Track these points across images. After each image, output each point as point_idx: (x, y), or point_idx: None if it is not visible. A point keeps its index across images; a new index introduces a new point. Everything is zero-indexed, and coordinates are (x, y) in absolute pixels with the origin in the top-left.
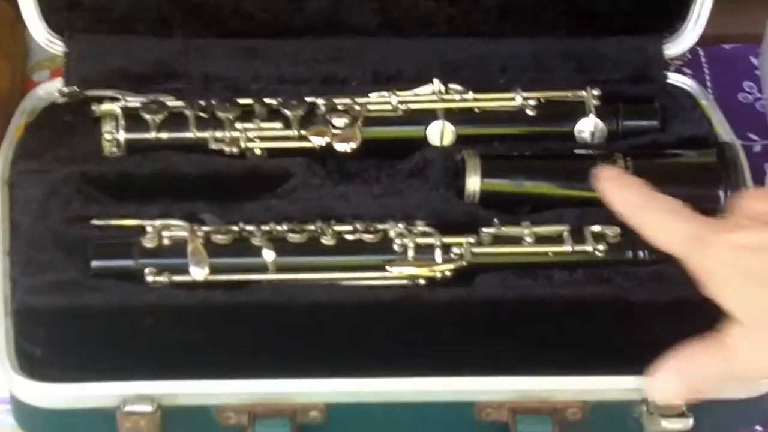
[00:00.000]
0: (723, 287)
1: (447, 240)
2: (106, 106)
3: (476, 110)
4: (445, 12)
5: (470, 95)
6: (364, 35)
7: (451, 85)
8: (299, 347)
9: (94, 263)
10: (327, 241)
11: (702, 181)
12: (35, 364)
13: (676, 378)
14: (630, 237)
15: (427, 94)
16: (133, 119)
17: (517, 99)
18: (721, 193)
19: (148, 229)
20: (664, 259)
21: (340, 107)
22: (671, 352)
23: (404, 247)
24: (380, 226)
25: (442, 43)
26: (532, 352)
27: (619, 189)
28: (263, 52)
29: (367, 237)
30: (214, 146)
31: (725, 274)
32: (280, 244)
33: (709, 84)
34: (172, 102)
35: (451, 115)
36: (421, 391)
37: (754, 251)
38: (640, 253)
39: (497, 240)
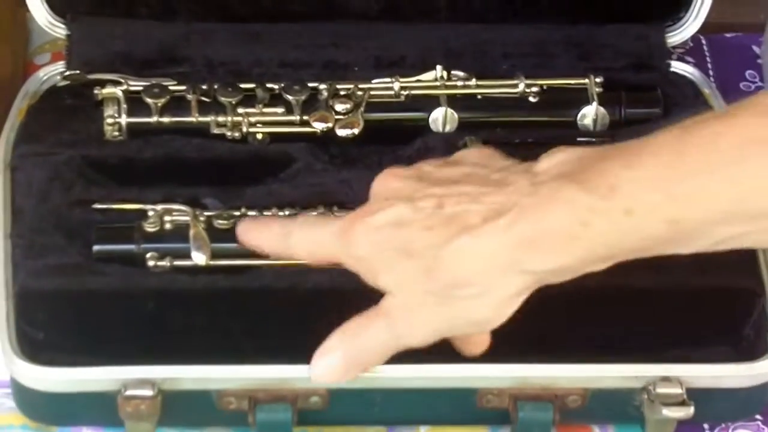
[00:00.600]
0: (375, 268)
1: None
2: (108, 90)
3: (479, 97)
4: None
5: (473, 82)
6: (366, 20)
7: (454, 72)
8: (300, 332)
9: (96, 247)
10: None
11: None
12: (36, 347)
13: (338, 356)
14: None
15: (430, 80)
16: (135, 103)
17: (519, 86)
18: None
19: (150, 213)
20: None
21: (342, 93)
22: (333, 334)
23: None
24: None
25: (445, 29)
26: (533, 339)
27: (256, 232)
28: (265, 36)
29: None
30: (216, 131)
31: (373, 256)
32: None
33: (711, 72)
34: (174, 86)
35: (454, 102)
36: (423, 377)
37: (392, 227)
38: None
39: None
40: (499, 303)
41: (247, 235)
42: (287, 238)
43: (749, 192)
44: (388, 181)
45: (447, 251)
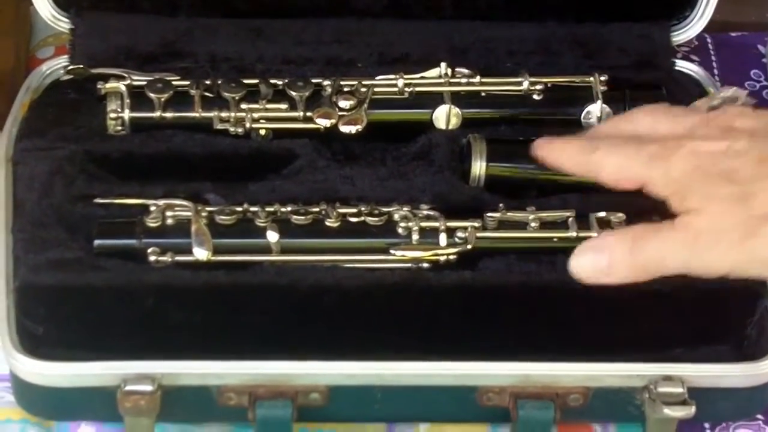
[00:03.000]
0: (688, 189)
1: (451, 224)
2: (111, 85)
3: (483, 94)
4: None
5: (477, 79)
6: (370, 17)
7: (458, 69)
8: (301, 329)
9: (97, 242)
10: (331, 223)
11: None
12: (36, 342)
13: (611, 255)
14: (635, 224)
15: (434, 77)
16: (138, 98)
17: (524, 83)
18: None
19: (152, 208)
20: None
21: (346, 89)
22: (608, 233)
23: (408, 230)
24: (384, 209)
25: (449, 25)
26: (534, 338)
27: (559, 149)
28: (269, 32)
29: (371, 220)
30: (219, 126)
31: (693, 178)
32: (284, 226)
33: (716, 71)
34: (177, 81)
35: (458, 99)
36: (424, 374)
37: (723, 155)
38: None
39: (502, 225)
40: None
41: (545, 149)
42: (592, 153)
43: None
44: (734, 117)
45: None
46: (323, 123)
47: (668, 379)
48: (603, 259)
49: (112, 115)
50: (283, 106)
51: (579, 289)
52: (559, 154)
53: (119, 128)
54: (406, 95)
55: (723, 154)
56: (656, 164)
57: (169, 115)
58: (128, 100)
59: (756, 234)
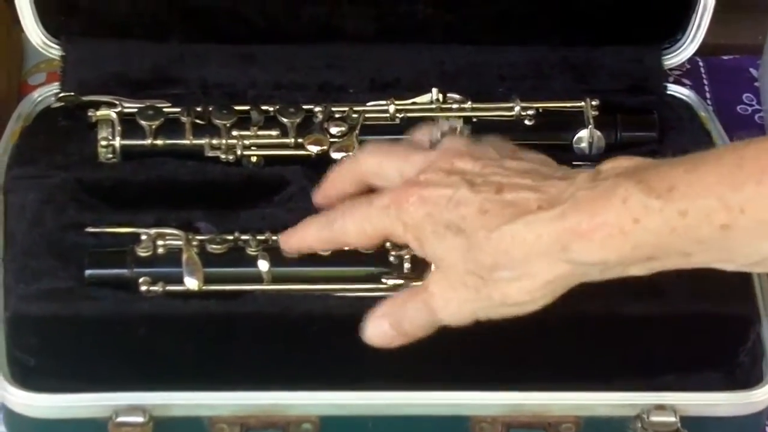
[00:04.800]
0: (423, 237)
1: None
2: (102, 112)
3: (474, 120)
4: (443, 20)
5: (468, 104)
6: (362, 42)
7: (450, 95)
8: (293, 358)
9: (89, 271)
10: (322, 251)
11: None
12: (28, 373)
13: (385, 322)
14: None
15: (425, 103)
16: (129, 125)
17: (515, 109)
18: None
19: (143, 237)
20: None
21: (337, 115)
22: (385, 301)
23: (400, 258)
24: None
25: (440, 50)
26: (526, 367)
27: (300, 236)
28: (260, 58)
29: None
30: (210, 153)
31: (424, 226)
32: (275, 255)
33: (708, 95)
34: (168, 108)
35: None
36: (415, 404)
37: (448, 204)
38: None
39: None
40: (537, 288)
41: (287, 243)
42: (332, 225)
43: None
44: (453, 158)
45: (497, 233)
46: (315, 149)
47: (660, 408)
48: (384, 326)
49: (103, 142)
50: (274, 132)
51: (569, 318)
52: (301, 240)
53: (110, 156)
54: (398, 121)
55: (448, 201)
56: (391, 214)
57: (160, 142)
58: (119, 128)
59: (486, 283)
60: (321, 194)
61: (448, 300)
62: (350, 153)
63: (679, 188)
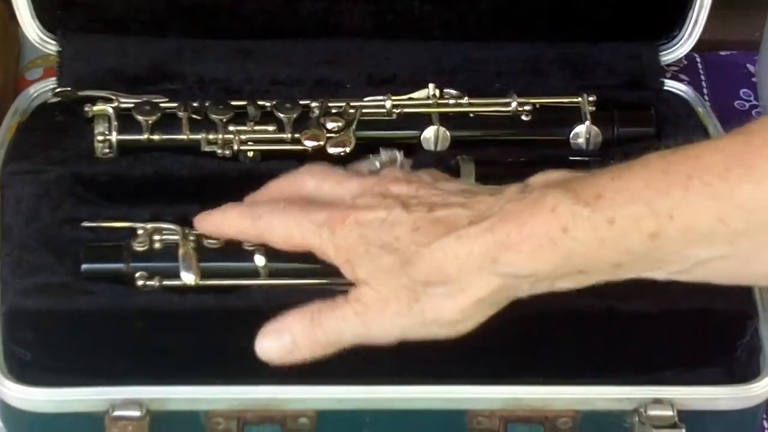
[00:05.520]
0: (355, 259)
1: None
2: (99, 107)
3: (471, 115)
4: (440, 16)
5: (465, 100)
6: (359, 38)
7: (446, 90)
8: None
9: (85, 266)
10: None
11: None
12: (24, 367)
13: (292, 338)
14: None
15: (422, 98)
16: (125, 120)
17: (512, 104)
18: None
19: (139, 232)
20: None
21: (334, 110)
22: (290, 313)
23: None
24: None
25: (438, 46)
26: (523, 361)
27: (217, 220)
28: (257, 53)
29: None
30: (206, 148)
31: (357, 248)
32: (271, 249)
33: (705, 90)
34: (165, 103)
35: (446, 120)
36: (413, 398)
37: (382, 225)
38: None
39: None
40: (469, 305)
41: (202, 223)
42: (257, 219)
43: (730, 210)
44: (388, 183)
45: (429, 249)
46: (311, 145)
47: (658, 402)
48: (286, 339)
49: (100, 137)
50: (271, 127)
51: (567, 313)
52: (217, 224)
53: (107, 151)
54: (394, 116)
55: (382, 223)
56: (324, 233)
57: (156, 137)
58: (116, 123)
59: (419, 299)
60: (252, 200)
61: (383, 316)
62: (346, 148)
63: (606, 195)
